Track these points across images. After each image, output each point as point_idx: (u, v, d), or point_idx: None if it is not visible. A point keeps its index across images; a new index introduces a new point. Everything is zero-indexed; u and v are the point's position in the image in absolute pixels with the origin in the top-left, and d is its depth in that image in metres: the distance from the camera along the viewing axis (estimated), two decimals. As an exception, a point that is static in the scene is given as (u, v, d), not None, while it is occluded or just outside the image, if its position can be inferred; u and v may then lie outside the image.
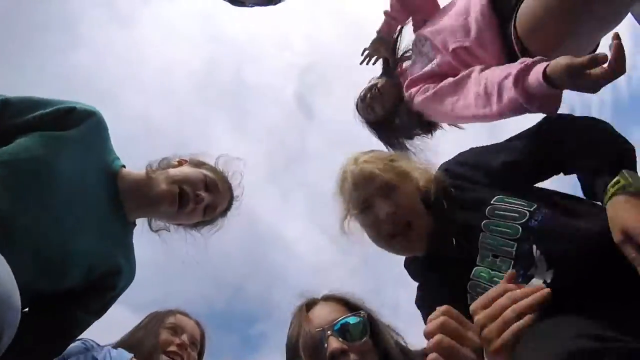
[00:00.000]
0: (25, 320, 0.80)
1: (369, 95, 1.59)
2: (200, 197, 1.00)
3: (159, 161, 1.08)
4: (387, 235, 0.96)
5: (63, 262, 0.87)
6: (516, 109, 1.04)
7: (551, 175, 1.00)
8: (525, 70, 0.97)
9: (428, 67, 1.38)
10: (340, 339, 0.87)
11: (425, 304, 1.00)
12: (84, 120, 0.93)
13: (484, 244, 0.87)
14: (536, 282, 0.79)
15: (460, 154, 1.09)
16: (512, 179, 0.95)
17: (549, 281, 0.78)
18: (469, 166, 1.02)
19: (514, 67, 1.01)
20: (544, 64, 0.93)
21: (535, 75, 0.93)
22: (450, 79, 1.27)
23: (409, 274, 1.08)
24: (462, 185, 0.98)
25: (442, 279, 0.96)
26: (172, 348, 1.16)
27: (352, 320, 0.90)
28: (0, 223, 0.78)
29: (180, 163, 1.08)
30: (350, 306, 0.97)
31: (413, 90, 1.41)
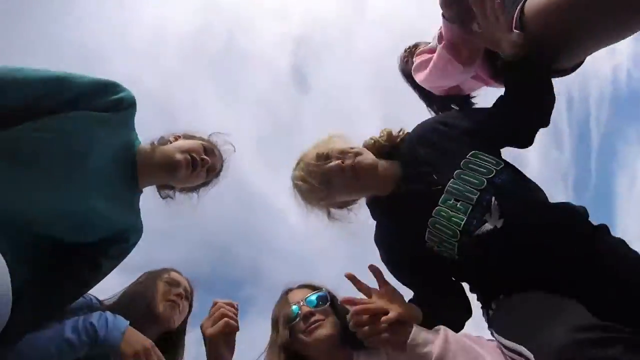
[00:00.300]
0: (55, 261, 1.00)
1: (410, 49, 1.65)
2: (205, 161, 1.18)
3: (159, 138, 1.23)
4: (352, 178, 1.08)
5: (85, 221, 1.04)
6: (445, 63, 1.21)
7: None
8: None
9: (432, 42, 1.47)
10: (309, 306, 1.14)
11: (382, 242, 1.20)
12: (126, 109, 1.08)
13: (451, 188, 1.01)
14: (488, 226, 0.95)
15: (447, 112, 1.31)
16: (487, 137, 1.09)
17: (499, 227, 0.94)
18: (454, 121, 1.16)
19: None
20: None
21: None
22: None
23: (370, 212, 1.23)
24: (448, 134, 1.12)
25: (400, 218, 1.12)
26: (171, 297, 1.29)
27: (317, 294, 1.18)
28: (38, 183, 0.94)
29: (176, 138, 1.23)
30: (317, 288, 1.22)
31: (416, 58, 1.52)
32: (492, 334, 0.94)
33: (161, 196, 1.27)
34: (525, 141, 1.13)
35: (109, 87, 1.03)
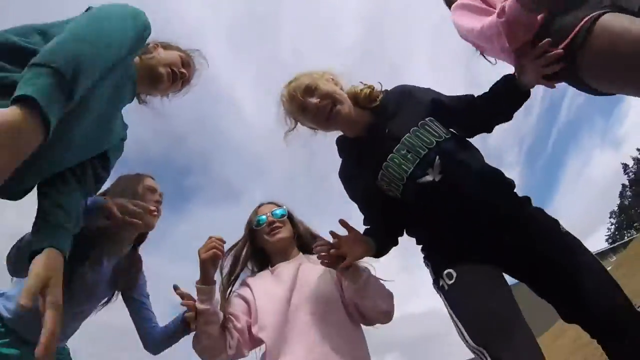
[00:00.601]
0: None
1: None
2: (184, 74, 1.28)
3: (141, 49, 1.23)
4: (323, 120, 1.31)
5: (108, 148, 1.14)
6: (493, 35, 1.17)
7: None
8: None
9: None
10: (273, 217, 1.53)
11: (344, 177, 1.43)
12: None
13: (405, 141, 1.23)
14: (428, 178, 1.19)
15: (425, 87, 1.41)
16: (447, 115, 1.31)
17: (437, 180, 1.19)
18: (424, 92, 1.37)
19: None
20: None
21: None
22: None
23: (338, 148, 1.45)
24: (418, 99, 1.33)
25: (361, 158, 1.33)
26: (152, 205, 1.48)
27: (280, 210, 1.58)
28: (86, 129, 0.97)
29: (155, 47, 1.27)
30: (280, 205, 1.61)
31: None
32: (439, 296, 1.18)
33: (139, 102, 1.32)
34: (470, 135, 1.37)
35: (147, 31, 1.01)
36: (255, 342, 1.33)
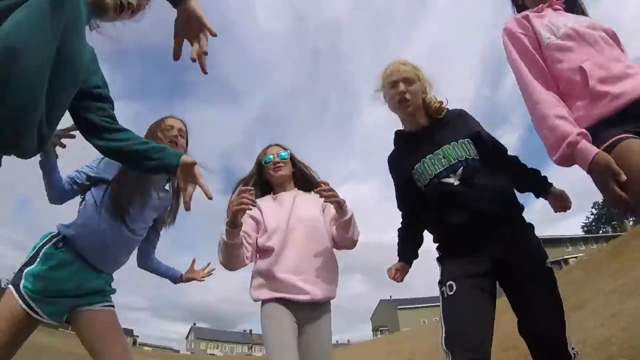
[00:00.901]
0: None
1: None
2: (131, 4, 1.22)
3: None
4: (397, 102, 1.67)
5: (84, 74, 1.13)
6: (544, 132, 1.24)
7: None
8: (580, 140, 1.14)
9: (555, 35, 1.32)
10: (278, 158, 1.94)
11: (391, 162, 1.79)
12: None
13: (444, 148, 1.58)
14: (450, 180, 1.54)
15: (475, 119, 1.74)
16: (481, 145, 1.62)
17: (455, 184, 1.53)
18: (473, 122, 1.70)
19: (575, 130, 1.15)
20: (595, 152, 1.09)
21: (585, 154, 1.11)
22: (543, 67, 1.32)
23: (394, 141, 1.79)
24: (467, 124, 1.68)
25: (409, 151, 1.69)
26: (169, 140, 1.77)
27: (285, 152, 1.97)
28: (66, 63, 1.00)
29: None
30: (285, 148, 1.98)
31: (533, 15, 1.41)
32: (439, 297, 1.44)
33: (90, 29, 1.24)
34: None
35: None
36: (262, 250, 1.78)
